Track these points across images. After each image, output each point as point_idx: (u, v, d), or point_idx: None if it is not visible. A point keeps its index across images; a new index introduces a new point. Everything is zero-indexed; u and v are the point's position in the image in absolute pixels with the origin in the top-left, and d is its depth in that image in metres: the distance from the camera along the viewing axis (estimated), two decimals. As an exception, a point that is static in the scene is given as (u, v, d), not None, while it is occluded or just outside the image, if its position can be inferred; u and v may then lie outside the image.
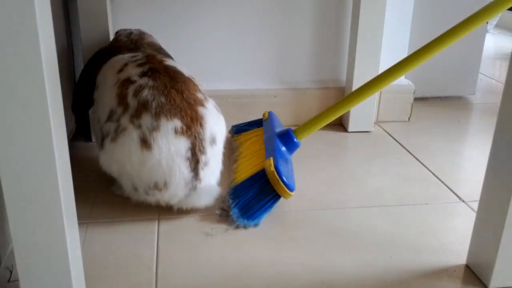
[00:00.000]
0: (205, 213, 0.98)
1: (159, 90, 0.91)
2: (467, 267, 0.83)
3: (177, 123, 0.90)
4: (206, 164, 0.93)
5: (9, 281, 0.77)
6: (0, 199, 0.72)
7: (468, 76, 1.72)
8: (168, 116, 0.90)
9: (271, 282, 0.79)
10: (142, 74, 0.94)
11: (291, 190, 0.94)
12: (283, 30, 1.43)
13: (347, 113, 1.41)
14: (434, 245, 0.89)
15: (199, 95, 0.96)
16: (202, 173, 0.93)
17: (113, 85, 0.94)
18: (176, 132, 0.89)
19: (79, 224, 0.91)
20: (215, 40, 1.40)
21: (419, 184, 1.12)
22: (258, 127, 1.20)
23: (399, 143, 1.35)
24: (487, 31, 2.75)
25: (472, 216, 0.92)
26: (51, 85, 0.59)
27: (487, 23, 1.69)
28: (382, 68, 1.37)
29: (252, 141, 1.15)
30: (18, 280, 0.66)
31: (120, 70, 0.97)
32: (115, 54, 1.05)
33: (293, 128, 1.08)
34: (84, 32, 1.22)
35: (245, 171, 1.04)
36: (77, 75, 1.28)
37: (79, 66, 1.32)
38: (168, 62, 0.99)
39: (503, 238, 0.75)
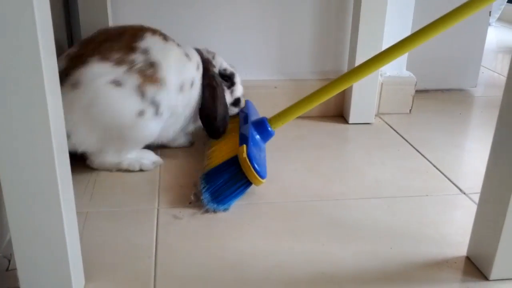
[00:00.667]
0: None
1: None
2: (468, 258, 0.83)
3: None
4: None
5: (7, 270, 0.77)
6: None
7: (470, 69, 1.71)
8: None
9: (270, 273, 0.78)
10: None
11: (262, 177, 0.95)
12: (284, 20, 1.42)
13: (348, 105, 1.41)
14: (434, 236, 0.89)
15: None
16: None
17: None
18: None
19: (79, 213, 0.91)
20: (215, 32, 1.39)
21: (420, 176, 1.11)
22: (237, 115, 1.21)
23: (400, 135, 1.34)
24: (489, 24, 2.74)
25: (473, 208, 0.91)
26: (49, 81, 0.58)
27: (490, 15, 1.68)
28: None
29: (229, 129, 1.15)
30: (16, 269, 0.66)
31: None
32: None
33: (268, 117, 1.08)
34: (84, 25, 1.22)
35: (218, 157, 1.05)
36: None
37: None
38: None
39: (504, 230, 0.74)
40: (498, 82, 1.92)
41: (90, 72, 0.98)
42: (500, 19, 3.18)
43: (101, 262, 0.80)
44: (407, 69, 1.50)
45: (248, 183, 0.97)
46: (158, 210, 0.95)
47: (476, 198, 0.89)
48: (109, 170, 1.08)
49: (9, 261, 0.78)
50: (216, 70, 1.15)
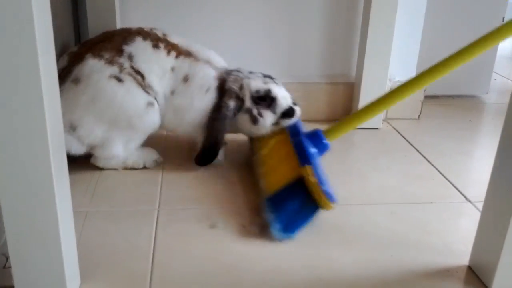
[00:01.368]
0: (204, 205, 0.97)
1: None
2: (470, 268, 0.81)
3: None
4: None
5: (4, 267, 0.77)
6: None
7: (481, 75, 1.69)
8: None
9: (266, 277, 0.78)
10: None
11: (333, 201, 0.87)
12: (292, 24, 1.41)
13: (355, 109, 1.39)
14: (436, 245, 0.87)
15: None
16: None
17: None
18: None
19: (79, 212, 0.91)
20: (223, 34, 1.39)
21: (425, 183, 1.09)
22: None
23: (407, 140, 1.32)
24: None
25: (478, 216, 0.89)
26: (46, 81, 0.58)
27: (503, 20, 1.65)
28: (392, 64, 1.36)
29: (276, 140, 1.06)
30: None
31: None
32: None
33: (322, 129, 1.01)
34: (92, 29, 1.23)
35: (277, 178, 0.96)
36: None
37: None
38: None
39: (507, 240, 0.72)
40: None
41: (87, 67, 1.03)
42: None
43: (99, 262, 0.79)
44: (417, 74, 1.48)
45: (317, 208, 0.88)
46: (158, 211, 0.95)
47: (482, 206, 0.87)
48: (114, 168, 1.09)
49: (7, 258, 0.78)
50: (247, 98, 1.07)
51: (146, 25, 1.13)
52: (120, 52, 1.06)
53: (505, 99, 1.73)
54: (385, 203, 1.01)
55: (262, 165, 1.03)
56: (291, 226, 0.87)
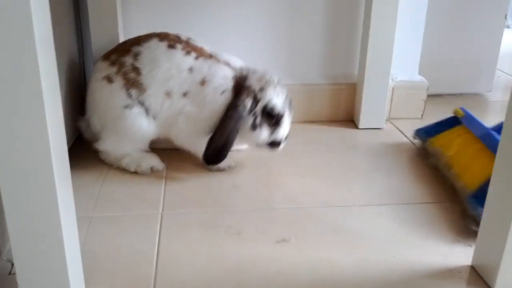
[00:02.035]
0: (208, 209, 0.97)
1: None
2: (473, 268, 0.81)
3: None
4: None
5: (10, 273, 0.78)
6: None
7: (485, 73, 1.68)
8: None
9: (270, 280, 0.78)
10: None
11: None
12: (294, 25, 1.41)
13: (358, 110, 1.40)
14: (439, 245, 0.87)
15: None
16: None
17: None
18: None
19: (83, 217, 0.92)
20: (225, 36, 1.39)
21: (429, 183, 1.09)
22: (452, 126, 1.15)
23: (410, 140, 1.32)
24: (507, 27, 2.70)
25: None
26: (47, 86, 0.59)
27: (506, 18, 1.65)
28: (394, 64, 1.36)
29: (460, 141, 1.07)
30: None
31: None
32: None
33: None
34: (95, 36, 1.24)
35: (476, 174, 0.96)
36: (87, 77, 1.32)
37: (90, 67, 1.33)
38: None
39: (509, 240, 0.72)
40: (515, 86, 1.88)
41: (95, 67, 1.14)
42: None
43: (103, 267, 0.80)
44: (420, 73, 1.48)
45: None
46: (162, 215, 0.95)
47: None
48: (112, 164, 1.13)
49: (13, 264, 0.79)
50: (261, 104, 1.05)
51: (148, 30, 1.13)
52: (127, 52, 1.08)
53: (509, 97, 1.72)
54: (388, 204, 1.01)
55: (452, 166, 1.05)
56: None
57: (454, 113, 1.16)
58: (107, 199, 1.01)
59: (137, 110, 1.07)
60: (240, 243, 0.87)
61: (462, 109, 1.15)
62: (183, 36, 1.12)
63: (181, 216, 0.95)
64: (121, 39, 1.25)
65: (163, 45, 1.08)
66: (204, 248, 0.86)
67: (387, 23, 1.31)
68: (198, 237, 0.89)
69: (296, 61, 1.45)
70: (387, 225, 0.93)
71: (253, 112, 1.06)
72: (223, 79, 1.07)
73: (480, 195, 0.90)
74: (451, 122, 1.17)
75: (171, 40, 1.09)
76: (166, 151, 1.18)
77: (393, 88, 1.44)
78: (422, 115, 1.48)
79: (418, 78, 1.47)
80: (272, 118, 1.06)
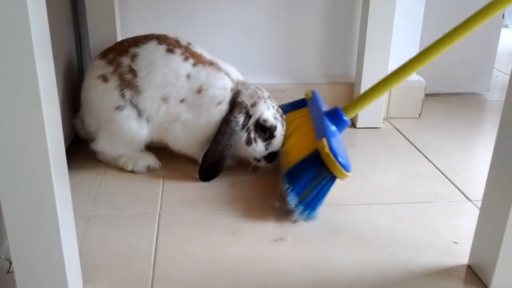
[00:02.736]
0: (206, 208, 0.98)
1: None
2: (469, 267, 0.82)
3: None
4: None
5: (8, 271, 0.78)
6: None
7: (482, 72, 1.69)
8: None
9: (267, 279, 0.78)
10: None
11: (347, 170, 0.91)
12: (292, 24, 1.41)
13: (356, 109, 1.40)
14: (436, 244, 0.88)
15: None
16: None
17: None
18: None
19: (81, 216, 0.92)
20: (223, 35, 1.39)
21: (426, 182, 1.10)
22: (301, 107, 1.16)
23: (407, 139, 1.33)
24: (505, 26, 2.70)
25: (477, 215, 0.90)
26: (44, 86, 0.59)
27: (503, 17, 1.65)
28: (391, 63, 1.36)
29: (298, 122, 1.10)
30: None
31: None
32: None
33: (341, 106, 1.03)
34: (93, 37, 1.24)
35: (296, 153, 1.00)
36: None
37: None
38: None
39: (505, 239, 0.73)
40: (513, 86, 1.88)
41: (90, 65, 1.14)
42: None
43: (100, 265, 0.80)
44: (417, 72, 1.48)
45: (333, 178, 0.92)
46: (159, 213, 0.95)
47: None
48: (109, 163, 1.13)
49: (11, 263, 0.79)
50: (253, 119, 1.06)
51: (145, 30, 1.13)
52: (125, 52, 1.08)
53: (506, 96, 1.72)
54: (385, 203, 1.01)
55: (284, 145, 1.08)
56: (308, 199, 0.92)
57: (305, 95, 1.17)
58: (105, 197, 1.01)
59: (127, 112, 1.06)
60: (237, 242, 0.87)
61: (313, 91, 1.16)
62: (183, 41, 1.11)
63: (178, 214, 0.95)
64: (119, 39, 1.25)
65: (162, 48, 1.07)
66: (201, 246, 0.86)
67: (384, 23, 1.31)
68: (195, 235, 0.89)
69: (295, 60, 1.45)
70: (384, 224, 0.94)
71: (246, 127, 1.06)
72: (222, 89, 1.07)
73: (289, 174, 0.95)
74: (300, 104, 1.17)
75: (170, 44, 1.08)
76: (164, 150, 1.18)
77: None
78: (419, 114, 1.48)
79: (415, 77, 1.47)
80: (265, 131, 1.07)
